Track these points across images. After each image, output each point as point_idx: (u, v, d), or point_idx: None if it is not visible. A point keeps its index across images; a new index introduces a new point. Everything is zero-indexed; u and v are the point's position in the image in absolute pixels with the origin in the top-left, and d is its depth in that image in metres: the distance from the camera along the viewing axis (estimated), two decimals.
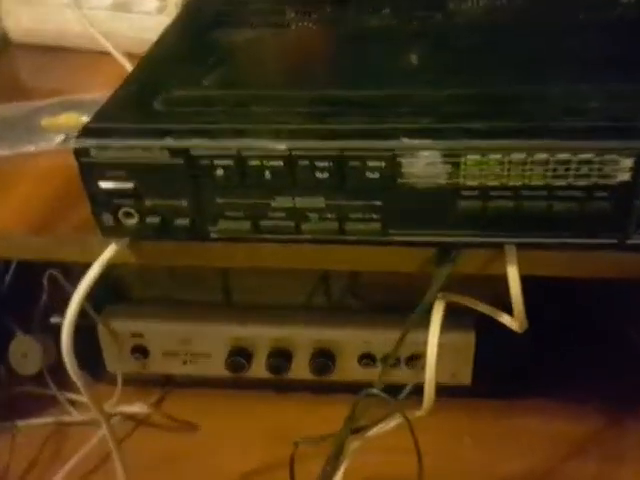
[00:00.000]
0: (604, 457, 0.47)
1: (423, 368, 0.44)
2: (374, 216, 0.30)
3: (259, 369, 0.49)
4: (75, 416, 0.50)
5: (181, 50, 0.38)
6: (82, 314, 0.43)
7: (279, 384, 0.51)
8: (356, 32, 0.39)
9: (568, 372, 0.52)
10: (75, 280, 0.34)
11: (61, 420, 0.50)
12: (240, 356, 0.49)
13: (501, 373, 0.49)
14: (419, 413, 0.34)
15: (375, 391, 0.34)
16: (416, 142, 0.28)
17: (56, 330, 0.43)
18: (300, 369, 0.49)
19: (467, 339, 0.48)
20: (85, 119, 0.33)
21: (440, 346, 0.48)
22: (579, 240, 0.30)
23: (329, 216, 0.30)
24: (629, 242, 0.29)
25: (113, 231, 0.31)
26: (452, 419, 0.50)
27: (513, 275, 0.32)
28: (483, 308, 0.35)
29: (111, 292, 0.50)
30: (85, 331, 0.50)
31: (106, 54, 0.48)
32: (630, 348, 0.53)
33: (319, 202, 0.30)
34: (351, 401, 0.41)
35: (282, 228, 0.30)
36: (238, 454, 0.48)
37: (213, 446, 0.49)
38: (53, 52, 0.51)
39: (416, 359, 0.48)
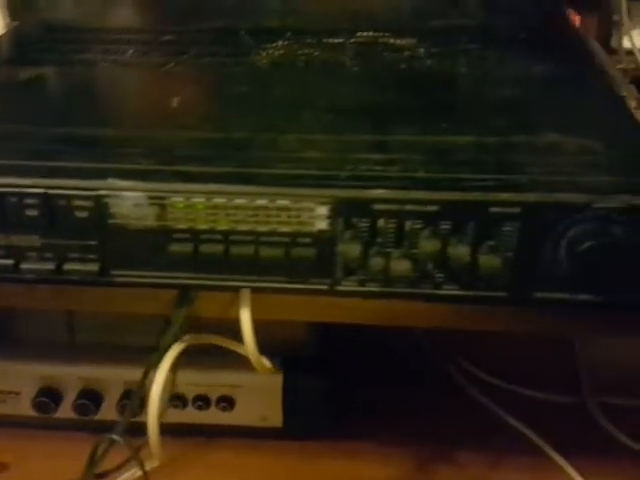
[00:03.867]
0: None
1: (231, 409, 0.45)
2: (91, 256, 0.30)
3: (67, 410, 0.49)
4: None
5: None
6: None
7: (89, 426, 0.50)
8: (119, 76, 0.40)
9: (379, 413, 0.52)
10: None
11: None
12: (49, 396, 0.49)
13: (313, 415, 0.50)
14: (153, 464, 0.33)
15: (115, 437, 0.34)
16: (120, 183, 0.29)
17: None
18: (111, 410, 0.49)
19: (275, 381, 0.48)
20: None
21: (249, 389, 0.49)
22: (293, 285, 0.30)
23: (47, 255, 0.30)
24: (339, 288, 0.31)
25: None
26: (262, 460, 0.48)
27: (245, 318, 0.33)
28: (227, 343, 0.35)
29: None
30: None
31: None
32: (446, 388, 0.54)
33: (34, 240, 0.30)
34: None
35: (1, 266, 0.31)
36: None
37: None
38: None
39: (227, 400, 0.48)
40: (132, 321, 0.45)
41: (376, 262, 0.28)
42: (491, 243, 0.27)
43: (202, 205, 0.29)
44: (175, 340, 0.33)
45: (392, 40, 0.42)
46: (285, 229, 0.29)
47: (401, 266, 0.28)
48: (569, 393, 0.56)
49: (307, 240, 0.29)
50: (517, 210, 0.26)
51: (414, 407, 0.52)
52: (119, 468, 0.36)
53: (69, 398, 0.48)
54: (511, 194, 0.26)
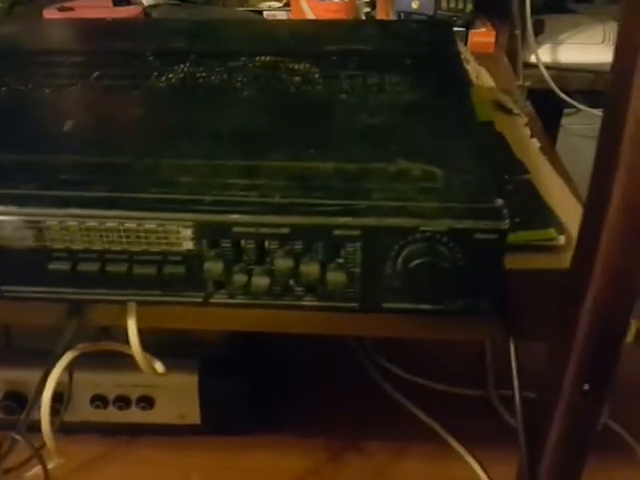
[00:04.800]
0: None
1: (151, 408, 0.48)
2: None
3: None
4: None
5: None
6: None
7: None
8: (20, 98, 0.41)
9: (296, 408, 0.55)
10: None
11: None
12: None
13: (230, 412, 0.53)
14: (54, 463, 0.36)
15: (16, 436, 0.36)
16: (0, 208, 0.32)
17: None
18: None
19: (191, 381, 0.50)
20: None
21: (167, 389, 0.52)
22: (170, 298, 0.33)
23: None
24: (211, 301, 0.33)
25: None
26: (183, 456, 0.52)
27: (132, 327, 0.35)
28: (119, 348, 0.37)
29: None
30: None
31: None
32: (360, 382, 0.57)
33: None
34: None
35: None
36: None
37: None
38: None
39: (147, 400, 0.51)
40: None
41: (239, 278, 0.31)
42: (339, 261, 0.31)
43: (76, 228, 0.31)
44: (67, 349, 0.36)
45: (289, 64, 0.45)
46: (155, 249, 0.31)
47: (262, 281, 0.31)
48: (475, 387, 0.60)
49: (177, 258, 0.32)
50: (357, 233, 0.30)
51: (329, 401, 0.56)
52: (24, 464, 0.38)
53: None
54: (350, 218, 0.29)
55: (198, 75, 0.44)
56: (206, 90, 0.42)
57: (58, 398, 0.50)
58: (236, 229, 0.30)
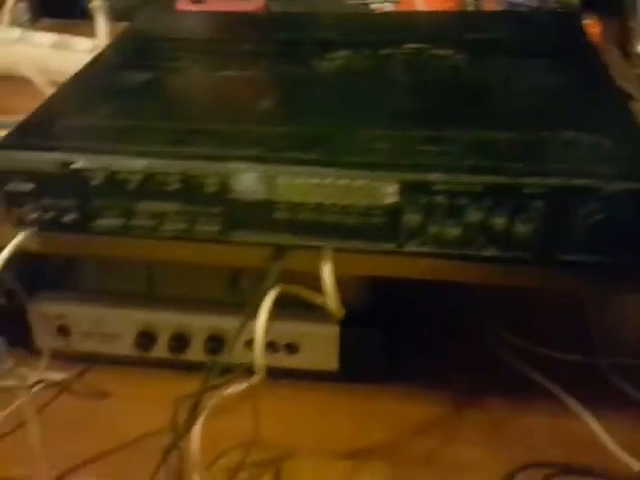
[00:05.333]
0: (444, 437, 0.55)
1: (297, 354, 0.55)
2: (215, 221, 0.39)
3: (162, 350, 0.59)
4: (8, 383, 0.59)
5: (86, 86, 0.48)
6: (14, 298, 0.52)
7: (179, 363, 0.59)
8: (230, 79, 0.49)
9: (423, 362, 0.61)
10: None
11: None
12: (146, 338, 0.58)
13: (365, 361, 0.59)
14: (253, 380, 0.42)
15: (223, 360, 0.43)
16: (240, 166, 0.38)
17: None
18: (196, 351, 0.59)
19: (333, 330, 0.57)
20: None
21: (310, 336, 0.58)
22: (368, 247, 0.39)
23: (182, 219, 0.40)
24: (404, 249, 0.39)
25: (20, 223, 0.41)
26: (320, 399, 0.58)
27: (327, 271, 0.41)
28: (310, 296, 0.43)
29: (43, 281, 0.59)
30: (18, 313, 0.60)
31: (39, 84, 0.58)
32: (482, 346, 0.62)
33: (174, 207, 0.39)
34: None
35: (146, 227, 0.40)
36: (143, 417, 0.55)
37: (123, 411, 0.57)
38: (2, 80, 0.62)
39: (293, 347, 0.57)
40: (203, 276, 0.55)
41: (433, 229, 0.37)
42: (523, 216, 0.36)
43: (299, 184, 0.38)
44: (269, 289, 0.42)
45: (434, 51, 0.50)
46: (362, 203, 0.38)
47: (453, 232, 0.37)
48: (583, 354, 0.64)
49: (379, 212, 0.38)
50: (543, 191, 0.35)
51: (451, 359, 0.62)
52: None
53: (162, 340, 0.59)
54: (538, 178, 0.35)
55: (354, 62, 0.50)
56: (365, 75, 0.49)
57: (217, 344, 0.58)
58: (434, 187, 0.36)
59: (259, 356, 0.42)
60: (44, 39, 0.57)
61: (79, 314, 0.58)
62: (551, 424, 0.57)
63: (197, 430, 0.47)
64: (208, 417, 0.47)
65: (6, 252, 0.42)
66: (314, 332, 0.57)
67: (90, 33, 0.62)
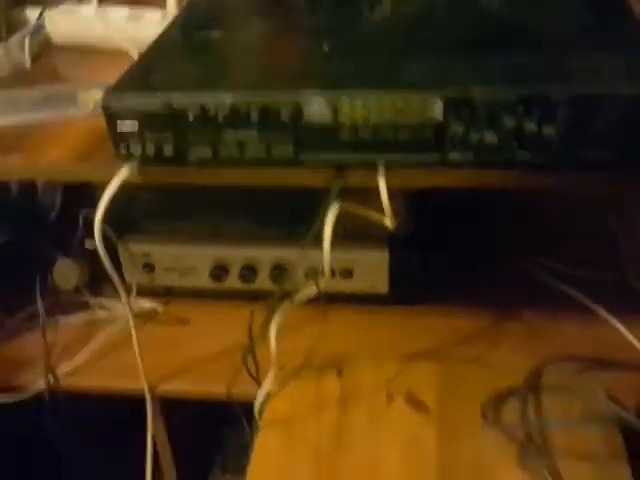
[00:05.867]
0: (486, 344, 0.63)
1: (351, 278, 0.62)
2: (288, 144, 0.47)
3: (233, 280, 0.67)
4: (102, 314, 0.68)
5: (171, 45, 0.55)
6: (107, 240, 0.60)
7: (249, 294, 0.67)
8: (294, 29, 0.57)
9: (463, 284, 0.68)
10: None
11: (92, 317, 0.69)
12: (220, 270, 0.66)
13: (411, 283, 0.66)
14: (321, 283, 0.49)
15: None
16: (310, 94, 0.45)
17: (89, 255, 0.60)
18: (264, 281, 0.67)
19: (382, 255, 0.64)
20: None
21: (361, 261, 0.65)
22: (419, 158, 0.46)
23: (261, 145, 0.47)
24: (449, 159, 0.46)
25: (127, 158, 0.49)
26: (372, 320, 0.66)
27: (382, 184, 0.48)
28: (368, 214, 0.51)
29: (129, 225, 0.67)
30: (110, 254, 0.68)
31: (123, 52, 0.66)
32: (518, 274, 0.69)
33: (254, 135, 0.47)
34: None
35: (232, 154, 0.48)
36: (220, 338, 0.64)
37: (202, 334, 0.66)
38: (84, 51, 0.70)
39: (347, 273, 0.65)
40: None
41: (474, 137, 0.44)
42: (553, 121, 0.43)
43: (360, 106, 0.45)
44: (332, 204, 0.49)
45: None
46: (413, 120, 0.45)
47: (492, 139, 0.44)
48: (612, 270, 0.70)
49: (427, 127, 0.45)
50: (568, 97, 0.42)
51: (489, 280, 0.70)
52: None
53: (234, 271, 0.67)
54: (564, 86, 0.42)
55: (399, 6, 0.58)
56: (410, 17, 0.56)
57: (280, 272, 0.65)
58: (475, 101, 0.43)
59: (327, 260, 0.50)
60: (119, 13, 0.65)
61: (161, 252, 0.67)
62: (583, 330, 0.64)
63: (273, 330, 0.54)
64: (277, 334, 0.55)
65: (115, 182, 0.50)
66: (366, 258, 0.65)
67: (157, 3, 0.69)
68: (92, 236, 0.54)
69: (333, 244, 0.55)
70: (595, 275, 0.68)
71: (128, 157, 0.49)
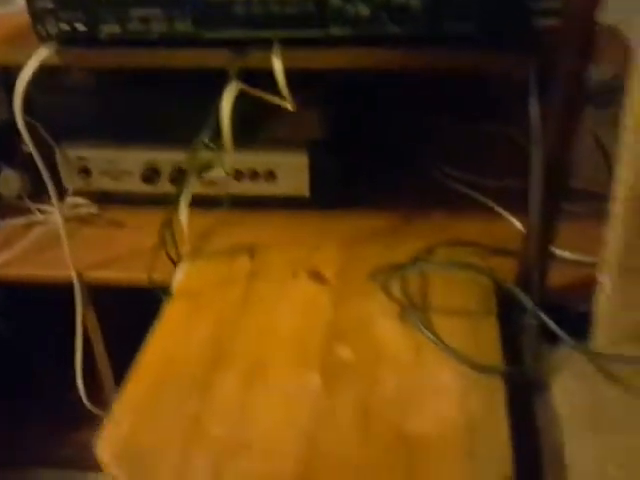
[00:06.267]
0: (393, 239, 0.67)
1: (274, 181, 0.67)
2: (187, 21, 0.52)
3: (165, 183, 0.71)
4: (41, 218, 0.73)
5: None
6: (46, 147, 0.65)
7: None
8: None
9: (378, 189, 0.74)
10: None
11: (31, 220, 0.73)
12: (152, 172, 0.71)
13: (329, 187, 0.70)
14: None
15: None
16: None
17: (31, 164, 0.65)
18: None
19: (302, 159, 0.69)
20: None
21: (283, 165, 0.69)
22: (304, 34, 0.51)
23: (164, 21, 0.52)
24: (331, 34, 0.51)
25: (46, 39, 0.54)
26: (294, 222, 0.70)
27: (277, 64, 0.53)
28: (266, 96, 0.55)
29: (67, 131, 0.71)
30: (49, 160, 0.72)
31: None
32: (433, 181, 0.75)
33: (157, 12, 0.52)
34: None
35: (138, 30, 0.53)
36: (149, 237, 0.66)
37: (133, 234, 0.71)
38: None
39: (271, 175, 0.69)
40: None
41: (350, 11, 0.49)
42: None
43: None
44: (230, 84, 0.54)
45: None
46: None
47: (364, 12, 0.48)
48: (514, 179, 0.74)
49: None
50: None
51: (401, 185, 0.75)
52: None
53: (165, 174, 0.71)
54: None
55: None
56: None
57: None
58: None
59: (228, 137, 0.54)
60: None
61: (96, 156, 0.72)
62: (482, 225, 0.68)
63: (184, 205, 0.60)
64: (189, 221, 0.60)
65: (33, 62, 0.55)
66: (287, 162, 0.69)
67: None
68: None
69: (256, 148, 0.64)
70: (502, 183, 0.74)
71: (47, 38, 0.55)
